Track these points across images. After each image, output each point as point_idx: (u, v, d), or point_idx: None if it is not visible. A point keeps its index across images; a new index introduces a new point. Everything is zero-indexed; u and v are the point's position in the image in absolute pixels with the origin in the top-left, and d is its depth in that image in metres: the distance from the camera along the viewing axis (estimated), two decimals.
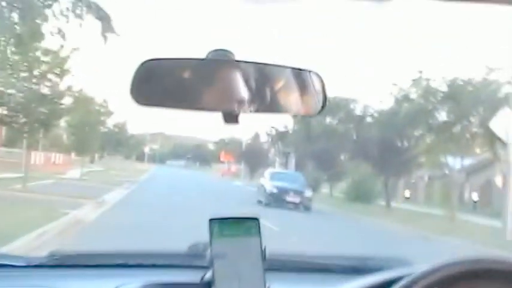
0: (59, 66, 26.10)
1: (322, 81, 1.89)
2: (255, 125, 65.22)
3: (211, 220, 2.08)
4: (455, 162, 29.47)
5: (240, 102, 1.81)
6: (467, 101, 26.35)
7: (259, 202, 32.79)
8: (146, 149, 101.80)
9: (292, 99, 1.90)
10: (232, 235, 2.07)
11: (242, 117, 1.82)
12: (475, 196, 35.66)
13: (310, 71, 1.90)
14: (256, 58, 1.86)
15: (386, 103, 33.71)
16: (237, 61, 1.82)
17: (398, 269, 2.08)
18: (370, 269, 2.34)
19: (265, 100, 1.85)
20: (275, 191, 32.38)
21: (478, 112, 26.86)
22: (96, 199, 25.20)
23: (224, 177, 77.27)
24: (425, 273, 1.77)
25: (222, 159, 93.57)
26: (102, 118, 43.00)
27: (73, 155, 59.20)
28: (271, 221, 17.40)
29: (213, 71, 1.82)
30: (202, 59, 1.81)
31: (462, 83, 27.58)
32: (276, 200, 31.63)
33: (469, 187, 41.95)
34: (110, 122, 57.13)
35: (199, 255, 2.38)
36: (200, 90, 1.83)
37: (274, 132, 52.47)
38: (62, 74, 26.37)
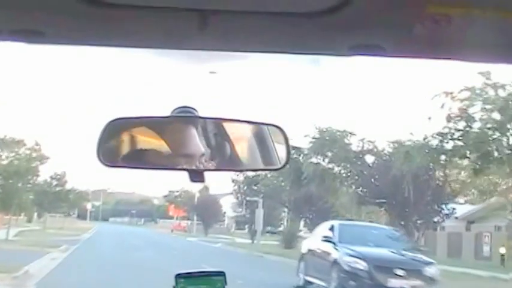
0: None
1: (285, 135, 1.82)
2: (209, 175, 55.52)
3: (177, 276, 2.07)
4: None
5: (205, 159, 1.72)
6: None
7: (308, 284, 18.42)
8: (88, 206, 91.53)
9: (257, 154, 1.82)
10: None
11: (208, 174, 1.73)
12: (502, 249, 26.93)
13: (273, 125, 1.82)
14: (220, 114, 1.79)
15: (414, 130, 24.06)
16: (201, 118, 1.76)
17: None
18: None
19: (230, 157, 1.76)
20: (361, 267, 16.09)
21: None
22: (17, 270, 17.07)
23: (174, 233, 67.76)
24: None
25: (171, 213, 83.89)
26: (33, 164, 32.74)
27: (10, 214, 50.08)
28: None
29: (178, 128, 1.76)
30: (167, 117, 1.75)
31: None
32: (365, 285, 16.05)
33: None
34: (46, 172, 47.11)
35: None
36: (166, 149, 1.74)
37: (241, 178, 42.65)
38: None
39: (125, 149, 1.77)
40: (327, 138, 31.30)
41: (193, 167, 1.71)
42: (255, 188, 41.74)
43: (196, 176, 1.72)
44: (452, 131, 21.02)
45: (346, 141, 31.55)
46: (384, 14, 1.42)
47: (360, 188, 29.15)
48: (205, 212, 63.43)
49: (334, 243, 17.09)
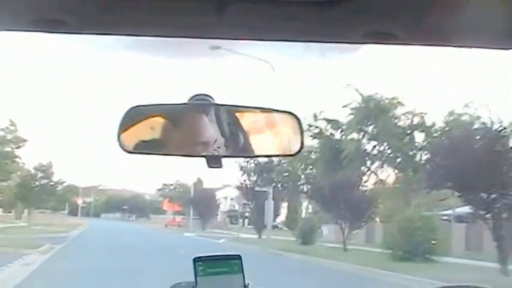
0: None
1: (299, 122, 1.82)
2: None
3: (195, 259, 2.09)
4: None
5: (221, 146, 1.73)
6: None
7: None
8: (79, 202, 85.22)
9: (271, 141, 1.82)
10: (216, 273, 2.07)
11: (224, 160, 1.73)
12: None
13: (288, 112, 1.82)
14: (235, 101, 1.79)
15: None
16: (217, 105, 1.77)
17: None
18: None
19: (245, 143, 1.77)
20: None
21: None
22: None
23: (169, 229, 61.45)
24: None
25: (165, 208, 77.50)
26: (8, 148, 25.95)
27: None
28: None
29: (194, 115, 1.76)
30: (185, 104, 1.76)
31: None
32: None
33: None
34: (30, 161, 40.24)
35: None
36: (184, 135, 1.76)
37: (252, 165, 35.89)
38: None
39: (144, 135, 1.73)
40: (372, 107, 24.55)
41: (210, 153, 1.70)
42: (265, 176, 35.14)
43: (214, 161, 1.70)
44: None
45: (394, 112, 24.84)
46: (397, 1, 1.41)
47: (409, 171, 22.64)
48: (203, 206, 57.01)
49: None
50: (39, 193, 43.96)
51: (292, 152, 1.80)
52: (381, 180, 26.68)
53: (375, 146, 26.15)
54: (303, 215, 47.08)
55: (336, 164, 26.68)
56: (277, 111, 1.78)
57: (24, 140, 28.14)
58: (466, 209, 34.82)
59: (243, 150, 1.76)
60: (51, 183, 45.32)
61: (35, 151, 78.68)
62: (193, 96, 1.73)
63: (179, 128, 1.74)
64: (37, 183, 43.28)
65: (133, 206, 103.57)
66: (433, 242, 23.68)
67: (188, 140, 1.73)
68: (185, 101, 1.73)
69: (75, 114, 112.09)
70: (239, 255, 2.14)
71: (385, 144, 25.49)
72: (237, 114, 1.75)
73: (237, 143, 1.73)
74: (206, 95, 1.73)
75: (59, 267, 17.09)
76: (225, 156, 1.71)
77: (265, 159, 36.05)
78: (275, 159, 35.39)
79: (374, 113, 24.71)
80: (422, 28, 1.47)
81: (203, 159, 1.70)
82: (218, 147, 1.70)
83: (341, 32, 1.52)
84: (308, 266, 22.04)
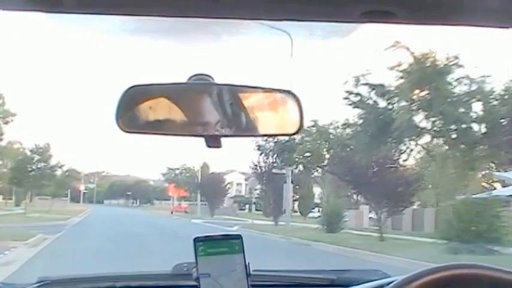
0: None
1: (299, 101, 1.79)
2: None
3: (195, 239, 2.02)
4: None
5: (222, 125, 1.69)
6: None
7: None
8: (81, 188, 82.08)
9: (272, 120, 1.81)
10: (216, 253, 2.02)
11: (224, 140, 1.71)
12: None
13: (287, 91, 1.79)
14: (235, 81, 1.74)
15: None
16: (218, 84, 1.74)
17: (376, 280, 2.00)
18: (350, 282, 2.30)
19: (246, 122, 1.74)
20: None
21: None
22: None
23: (175, 215, 58.29)
24: (407, 280, 1.70)
25: (170, 193, 74.21)
26: None
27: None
28: None
29: (195, 95, 1.73)
30: (184, 83, 1.72)
31: None
32: None
33: None
34: (23, 141, 36.74)
35: (184, 275, 2.25)
36: (183, 115, 1.72)
37: (271, 144, 32.23)
38: None
39: (143, 115, 1.69)
40: (427, 69, 20.60)
41: (210, 133, 1.65)
42: (286, 156, 31.56)
43: (213, 141, 1.66)
44: None
45: (450, 76, 21.00)
46: None
47: (466, 146, 19.01)
48: (211, 191, 53.71)
49: None
50: (36, 178, 40.56)
51: (292, 131, 1.75)
52: (431, 156, 23.04)
53: (427, 117, 22.45)
54: (318, 200, 43.91)
55: (381, 138, 22.96)
56: (277, 90, 1.75)
57: (13, 115, 24.74)
58: (505, 191, 31.31)
59: (244, 129, 1.70)
60: (49, 167, 41.88)
61: (37, 136, 76.06)
62: (193, 76, 1.67)
63: (179, 107, 1.67)
64: (33, 167, 39.91)
65: (137, 192, 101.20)
66: (473, 227, 20.25)
67: (188, 120, 1.66)
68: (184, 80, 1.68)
69: (78, 101, 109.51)
70: (239, 235, 2.02)
71: (439, 114, 21.75)
72: (238, 94, 1.70)
73: (238, 123, 1.68)
74: (206, 75, 1.67)
75: (48, 266, 13.60)
76: (225, 136, 1.65)
77: (286, 138, 32.54)
78: (297, 138, 32.04)
79: (429, 76, 20.82)
80: (421, 6, 1.42)
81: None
82: (221, 127, 1.64)
83: (338, 11, 1.49)
84: (350, 261, 18.48)
